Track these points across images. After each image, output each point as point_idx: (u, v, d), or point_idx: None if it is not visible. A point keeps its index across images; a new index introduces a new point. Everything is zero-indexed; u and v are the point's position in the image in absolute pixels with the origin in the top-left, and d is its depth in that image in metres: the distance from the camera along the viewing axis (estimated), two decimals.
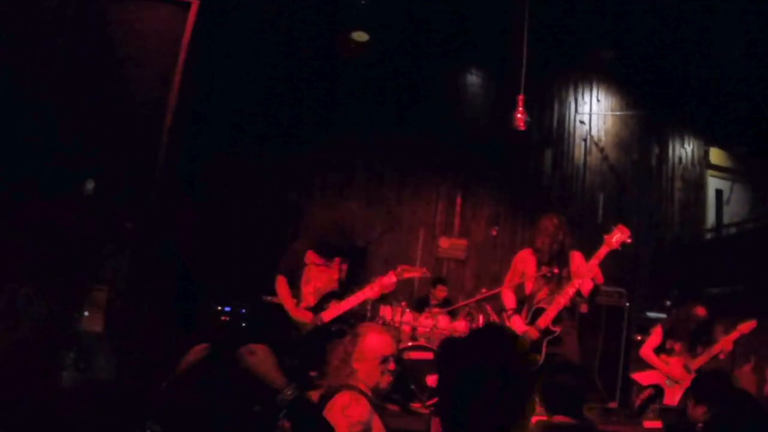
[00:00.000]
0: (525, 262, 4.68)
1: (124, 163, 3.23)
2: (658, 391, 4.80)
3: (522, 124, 5.83)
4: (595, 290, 4.42)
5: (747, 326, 4.76)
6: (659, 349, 4.92)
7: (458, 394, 1.42)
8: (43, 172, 3.11)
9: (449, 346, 1.54)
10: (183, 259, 6.24)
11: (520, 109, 5.81)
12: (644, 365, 5.01)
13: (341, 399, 2.52)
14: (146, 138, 3.23)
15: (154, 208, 3.22)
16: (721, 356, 4.84)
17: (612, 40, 8.79)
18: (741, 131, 9.53)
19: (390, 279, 4.27)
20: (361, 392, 2.63)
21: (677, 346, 4.89)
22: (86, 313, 3.60)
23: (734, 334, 4.76)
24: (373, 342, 2.73)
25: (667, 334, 4.94)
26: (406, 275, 4.34)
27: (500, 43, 7.51)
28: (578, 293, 4.37)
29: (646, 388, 4.87)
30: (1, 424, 2.57)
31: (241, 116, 8.17)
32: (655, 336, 4.98)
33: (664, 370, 4.79)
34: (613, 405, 6.30)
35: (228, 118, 8.03)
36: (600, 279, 4.32)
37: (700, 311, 4.88)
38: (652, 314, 7.12)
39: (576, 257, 4.52)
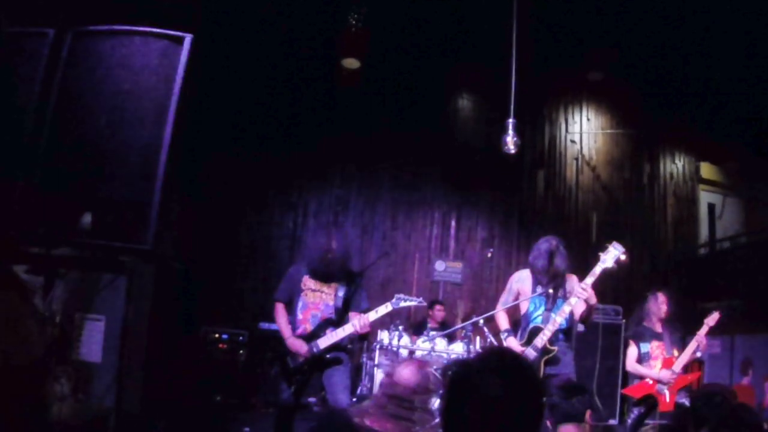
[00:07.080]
0: (520, 282, 4.70)
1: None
2: (652, 404, 4.82)
3: (513, 147, 5.89)
4: (589, 313, 4.44)
5: (712, 319, 4.95)
6: (641, 359, 4.98)
7: (465, 415, 1.42)
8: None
9: (457, 368, 1.53)
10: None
11: (511, 132, 5.88)
12: (634, 379, 5.06)
13: None
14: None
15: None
16: (699, 352, 4.98)
17: (601, 60, 8.91)
18: (732, 145, 9.61)
19: (385, 310, 4.28)
20: None
21: (656, 347, 4.95)
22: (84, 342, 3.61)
23: (704, 329, 4.91)
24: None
25: (640, 337, 5.02)
26: (402, 305, 4.35)
27: (491, 66, 7.61)
28: (572, 316, 4.41)
29: (639, 401, 4.90)
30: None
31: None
32: (632, 348, 5.09)
33: (654, 377, 4.83)
34: (613, 423, 6.29)
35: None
36: (593, 300, 4.32)
37: (662, 298, 5.10)
38: None
39: (572, 279, 4.55)
